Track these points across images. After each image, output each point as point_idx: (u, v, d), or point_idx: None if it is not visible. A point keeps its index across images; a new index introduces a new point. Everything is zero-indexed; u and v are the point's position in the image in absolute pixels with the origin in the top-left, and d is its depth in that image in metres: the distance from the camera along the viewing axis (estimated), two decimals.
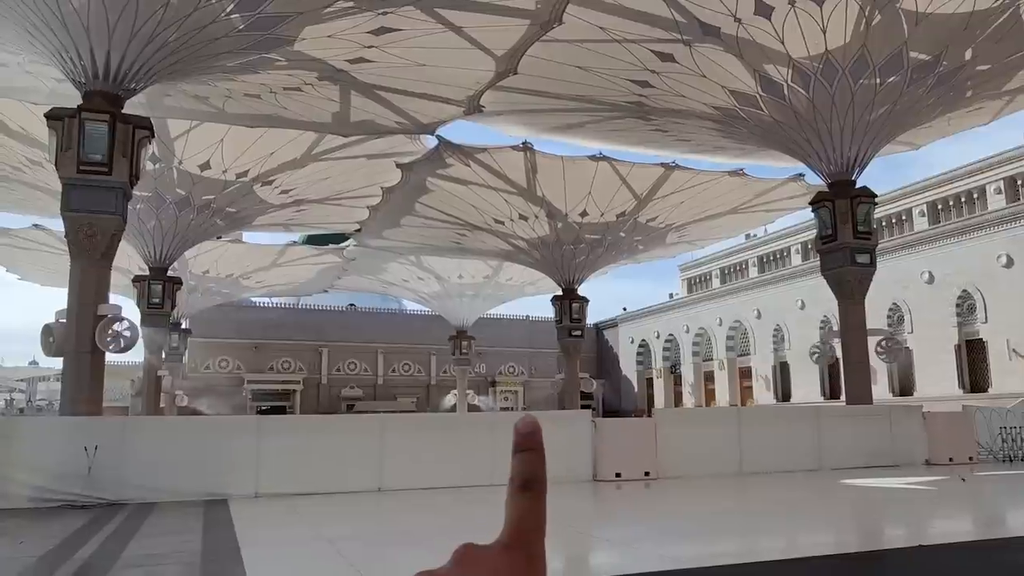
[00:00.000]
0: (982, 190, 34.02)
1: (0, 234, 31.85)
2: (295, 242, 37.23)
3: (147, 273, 27.02)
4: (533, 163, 25.11)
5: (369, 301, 60.71)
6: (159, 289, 26.65)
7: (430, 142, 24.28)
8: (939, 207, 36.22)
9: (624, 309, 62.84)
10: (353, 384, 56.21)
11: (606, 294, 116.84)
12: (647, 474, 14.55)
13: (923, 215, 36.60)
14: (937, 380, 34.54)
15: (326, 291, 50.67)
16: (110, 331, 12.32)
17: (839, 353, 18.69)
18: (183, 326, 41.40)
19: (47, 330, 12.57)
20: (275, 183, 26.05)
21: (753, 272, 48.55)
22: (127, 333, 12.66)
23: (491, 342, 58.64)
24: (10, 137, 21.45)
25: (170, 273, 28.58)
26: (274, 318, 56.19)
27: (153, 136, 13.93)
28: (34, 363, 60.51)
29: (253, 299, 57.89)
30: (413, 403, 56.12)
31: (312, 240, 43.48)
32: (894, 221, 38.46)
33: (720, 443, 15.62)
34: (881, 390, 36.89)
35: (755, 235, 48.51)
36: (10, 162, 22.56)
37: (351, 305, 60.04)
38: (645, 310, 59.11)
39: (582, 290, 32.72)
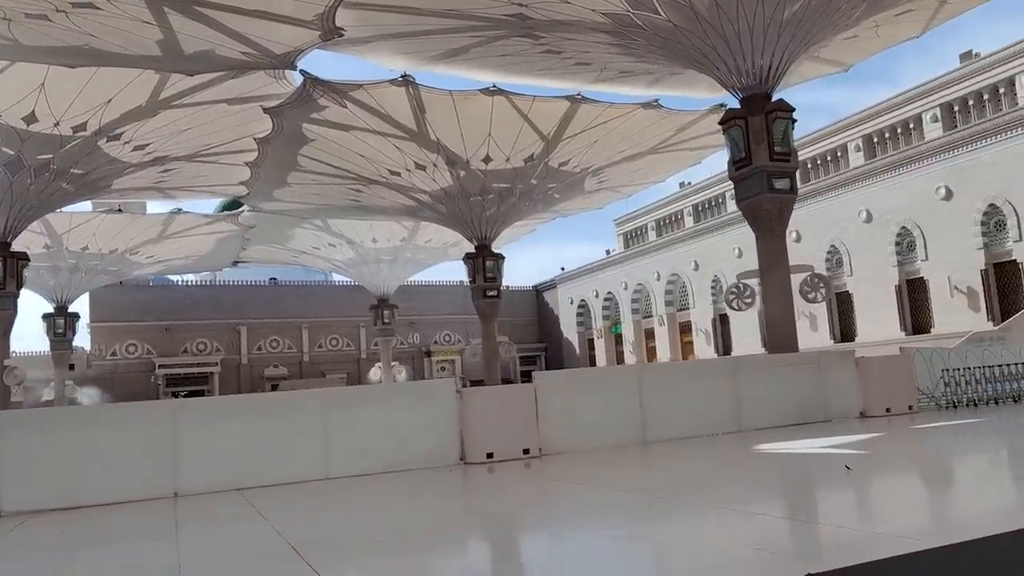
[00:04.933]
0: (918, 119, 31.90)
1: None
2: (180, 210, 33.62)
3: None
4: (419, 100, 22.02)
5: (293, 275, 57.26)
6: None
7: (298, 80, 21.09)
8: (875, 140, 34.10)
9: (562, 269, 60.37)
10: (276, 363, 52.96)
11: (547, 257, 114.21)
12: (526, 452, 11.88)
13: (859, 150, 34.47)
14: (880, 323, 32.72)
15: (237, 264, 47.04)
16: None
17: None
18: (69, 309, 37.61)
19: None
20: (123, 137, 22.54)
21: (689, 222, 46.24)
22: None
23: (424, 310, 55.97)
24: None
25: (17, 248, 25.19)
26: (186, 296, 52.50)
27: None
28: None
29: (170, 278, 54.14)
30: (342, 379, 53.15)
31: (225, 210, 39.99)
32: (829, 159, 36.35)
33: (618, 408, 13.00)
34: (822, 337, 35.13)
35: (689, 183, 46.22)
36: None
37: (272, 280, 56.53)
38: (582, 268, 56.65)
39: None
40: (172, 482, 10.37)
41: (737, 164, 15.89)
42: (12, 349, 48.23)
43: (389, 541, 6.32)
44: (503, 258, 29.93)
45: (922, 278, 31.28)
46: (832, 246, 34.86)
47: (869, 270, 33.09)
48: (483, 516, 7.93)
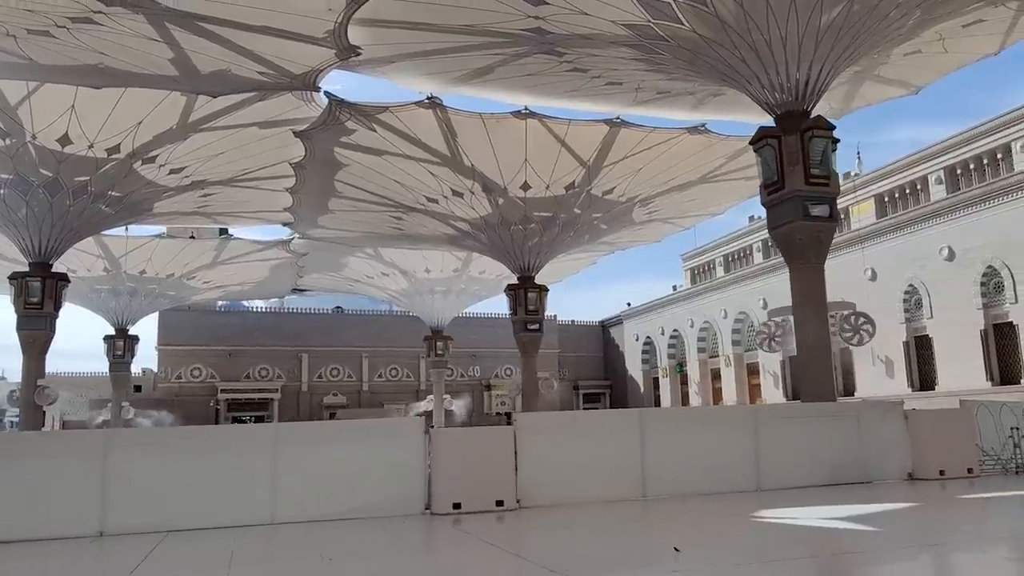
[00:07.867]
0: (1007, 149, 29.13)
1: None
2: (230, 235, 33.83)
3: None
4: (448, 124, 21.19)
5: (357, 303, 57.31)
6: (38, 287, 23.33)
7: (326, 103, 20.61)
8: (958, 172, 31.36)
9: (628, 304, 58.52)
10: (336, 391, 52.87)
11: (617, 292, 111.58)
12: (500, 504, 10.55)
13: (940, 182, 31.76)
14: (963, 371, 29.72)
15: (301, 292, 47.57)
16: None
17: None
18: (129, 332, 38.35)
19: None
20: (158, 160, 22.56)
21: (758, 258, 43.88)
22: None
23: (485, 344, 54.97)
24: None
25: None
26: (251, 323, 53.13)
27: None
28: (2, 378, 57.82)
29: (243, 303, 55.14)
30: (400, 410, 52.59)
31: None
32: (908, 192, 33.68)
33: (613, 458, 11.53)
34: (899, 385, 32.27)
35: (758, 217, 43.92)
36: None
37: (337, 308, 56.83)
38: (649, 305, 54.69)
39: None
40: (98, 520, 9.52)
41: (769, 188, 14.23)
42: (80, 371, 49.90)
43: None
44: (547, 290, 28.68)
45: (1011, 323, 28.28)
46: (911, 285, 32.11)
47: (951, 312, 30.21)
48: None
